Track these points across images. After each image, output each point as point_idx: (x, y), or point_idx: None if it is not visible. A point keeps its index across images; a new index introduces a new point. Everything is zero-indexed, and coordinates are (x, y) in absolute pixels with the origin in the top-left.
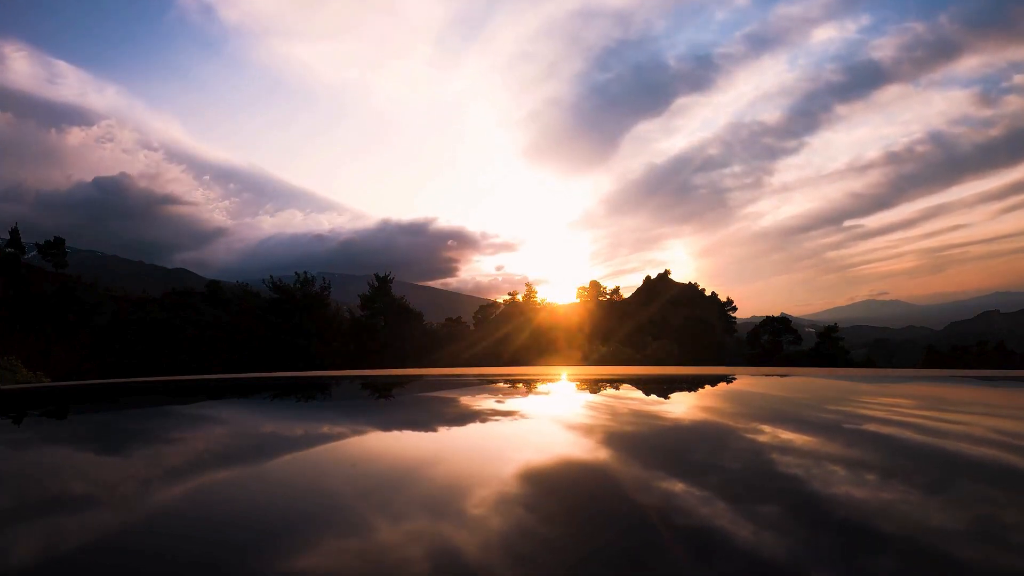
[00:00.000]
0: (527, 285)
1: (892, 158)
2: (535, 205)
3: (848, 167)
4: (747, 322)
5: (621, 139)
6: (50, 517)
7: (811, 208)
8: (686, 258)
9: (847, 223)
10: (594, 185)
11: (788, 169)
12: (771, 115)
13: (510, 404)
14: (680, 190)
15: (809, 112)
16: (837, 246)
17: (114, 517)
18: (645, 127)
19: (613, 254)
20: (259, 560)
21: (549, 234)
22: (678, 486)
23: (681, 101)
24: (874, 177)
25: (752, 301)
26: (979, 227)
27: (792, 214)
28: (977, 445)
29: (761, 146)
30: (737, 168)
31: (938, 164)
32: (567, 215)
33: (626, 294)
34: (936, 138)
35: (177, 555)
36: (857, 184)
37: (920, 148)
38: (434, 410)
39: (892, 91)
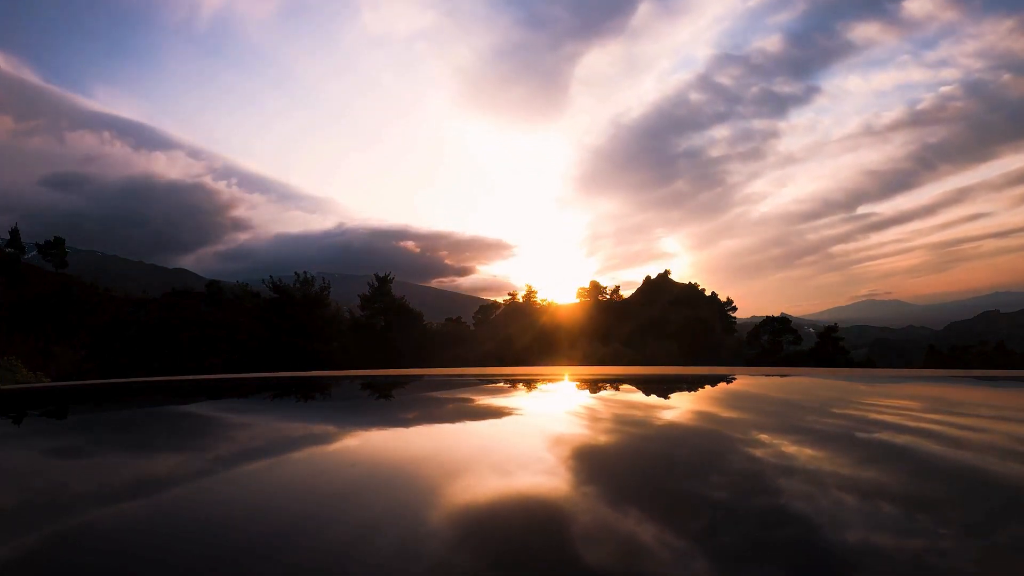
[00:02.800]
0: (527, 285)
1: (918, 118)
2: (468, 182)
3: (865, 130)
4: (747, 322)
5: (568, 80)
6: (50, 517)
7: (818, 189)
8: (680, 251)
9: (861, 209)
10: (546, 154)
11: (794, 132)
12: (767, 40)
13: (509, 404)
14: (660, 163)
15: (815, 37)
16: (844, 238)
17: (114, 517)
18: (598, 58)
19: (595, 248)
20: (259, 560)
21: (500, 224)
22: (654, 527)
23: (644, 9)
24: (895, 148)
25: (752, 301)
26: (998, 217)
27: (796, 197)
28: (1007, 459)
29: (759, 92)
30: (729, 129)
31: (973, 128)
32: (526, 196)
33: (624, 293)
34: (974, 89)
35: (177, 555)
36: (875, 156)
37: (954, 105)
38: (434, 410)
39: (921, 5)
